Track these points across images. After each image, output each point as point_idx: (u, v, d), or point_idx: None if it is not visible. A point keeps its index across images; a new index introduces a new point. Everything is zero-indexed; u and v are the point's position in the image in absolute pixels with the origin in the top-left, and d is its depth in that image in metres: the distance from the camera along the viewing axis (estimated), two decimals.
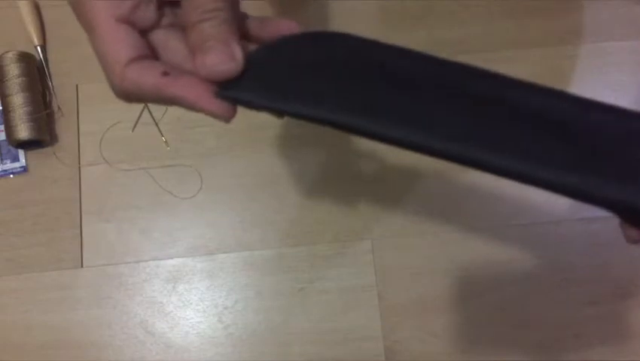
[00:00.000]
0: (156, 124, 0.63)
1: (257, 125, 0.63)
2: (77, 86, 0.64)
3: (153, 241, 0.60)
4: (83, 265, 0.60)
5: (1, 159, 0.62)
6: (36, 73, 0.63)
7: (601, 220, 0.61)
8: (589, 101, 0.28)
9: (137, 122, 0.63)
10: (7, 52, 0.61)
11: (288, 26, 0.30)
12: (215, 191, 0.62)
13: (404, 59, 0.29)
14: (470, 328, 0.59)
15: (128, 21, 0.28)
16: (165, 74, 0.28)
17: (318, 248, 0.60)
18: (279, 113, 0.30)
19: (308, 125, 0.32)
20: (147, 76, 0.28)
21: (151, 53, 0.29)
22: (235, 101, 0.28)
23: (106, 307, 0.59)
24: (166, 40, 0.30)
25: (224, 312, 0.59)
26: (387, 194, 0.62)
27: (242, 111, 0.28)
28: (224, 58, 0.27)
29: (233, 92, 0.28)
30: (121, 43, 0.27)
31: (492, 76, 0.29)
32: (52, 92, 0.64)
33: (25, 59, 0.62)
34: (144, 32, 0.29)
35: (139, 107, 0.63)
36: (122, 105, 0.66)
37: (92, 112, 0.63)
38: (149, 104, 0.63)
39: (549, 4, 0.68)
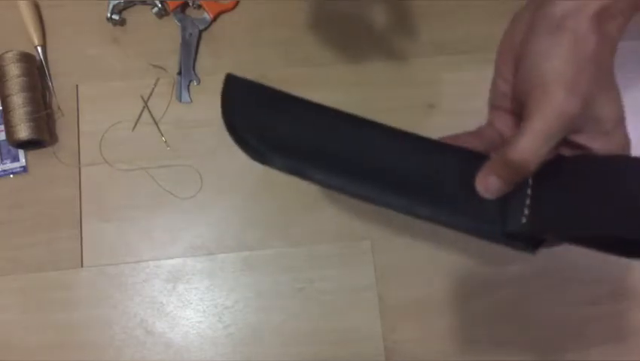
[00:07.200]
0: (156, 124, 0.63)
1: None
2: (77, 86, 0.64)
3: (153, 241, 0.60)
4: (83, 265, 0.60)
5: (1, 159, 0.62)
6: (36, 73, 0.63)
7: None
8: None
9: (137, 122, 0.63)
10: (7, 52, 0.61)
11: None
12: (215, 191, 0.62)
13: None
14: (470, 328, 0.59)
15: None
16: None
17: (318, 248, 0.60)
18: None
19: None
20: None
21: None
22: None
23: (106, 307, 0.59)
24: None
25: (224, 312, 0.59)
26: None
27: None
28: None
29: None
30: None
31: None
32: (52, 92, 0.64)
33: (25, 59, 0.62)
34: None
35: (139, 107, 0.63)
36: (122, 105, 0.66)
37: (92, 112, 0.63)
38: (148, 104, 0.63)
39: None
